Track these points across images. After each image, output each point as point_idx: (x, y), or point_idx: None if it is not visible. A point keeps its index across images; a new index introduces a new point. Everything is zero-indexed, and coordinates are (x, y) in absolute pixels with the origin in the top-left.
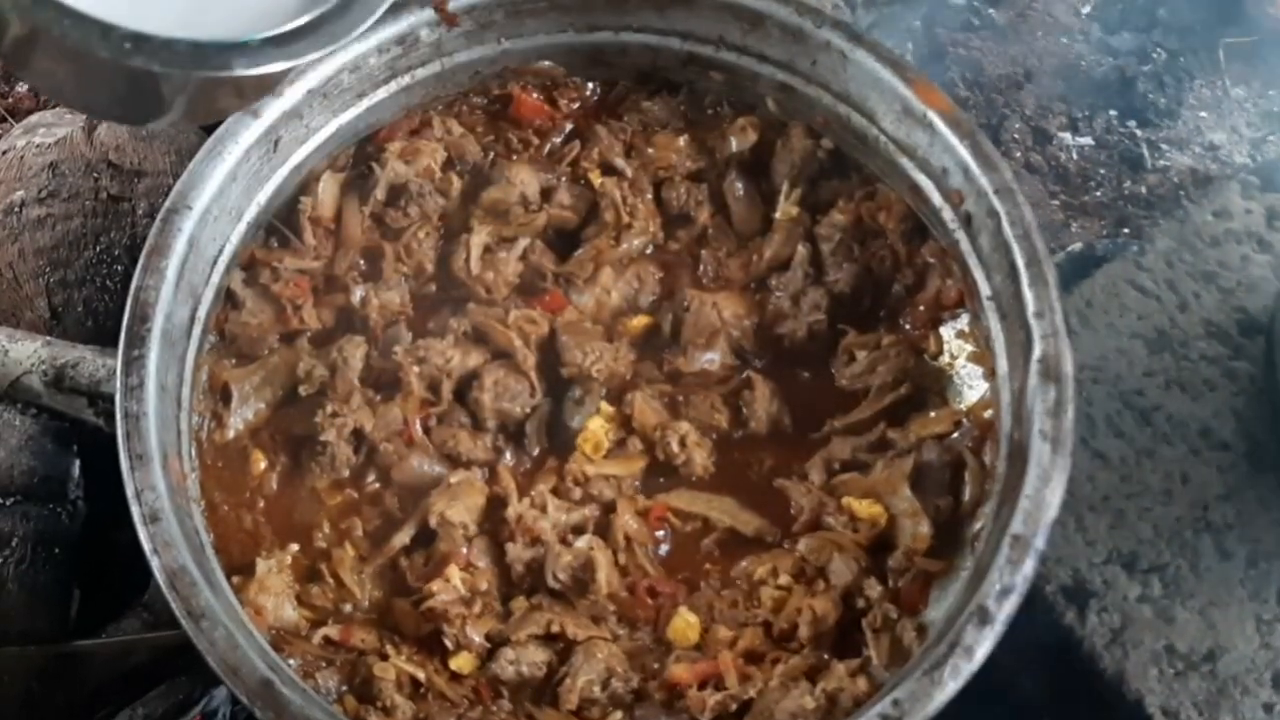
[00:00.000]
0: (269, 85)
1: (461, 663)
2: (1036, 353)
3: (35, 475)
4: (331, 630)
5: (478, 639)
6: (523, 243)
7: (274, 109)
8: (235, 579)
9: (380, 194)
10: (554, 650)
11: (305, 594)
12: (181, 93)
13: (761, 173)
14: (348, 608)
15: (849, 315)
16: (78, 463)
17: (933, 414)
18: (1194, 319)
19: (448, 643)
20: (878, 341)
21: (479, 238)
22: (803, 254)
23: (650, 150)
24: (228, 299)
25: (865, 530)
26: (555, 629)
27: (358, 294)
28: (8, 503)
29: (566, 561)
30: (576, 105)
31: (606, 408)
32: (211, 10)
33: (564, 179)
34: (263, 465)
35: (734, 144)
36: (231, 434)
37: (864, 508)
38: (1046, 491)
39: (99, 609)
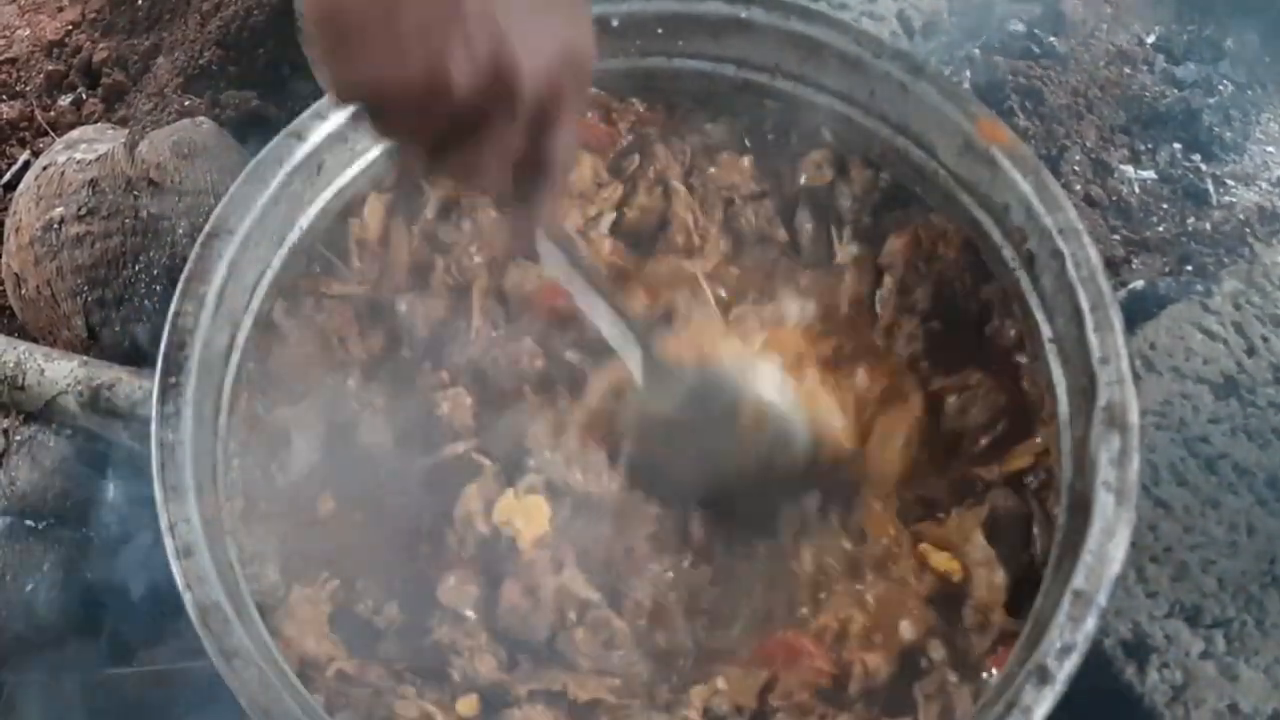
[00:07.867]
0: None
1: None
2: (1101, 400)
3: (69, 498)
4: (348, 665)
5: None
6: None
7: (319, 132)
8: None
9: (430, 212)
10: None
11: (333, 625)
12: None
13: (826, 204)
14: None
15: (935, 359)
16: (112, 486)
17: (1019, 448)
18: (1262, 364)
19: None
20: (965, 382)
21: None
22: (889, 283)
23: (712, 169)
24: (268, 326)
25: (931, 582)
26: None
27: (402, 306)
28: (40, 526)
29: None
30: (635, 121)
31: None
32: None
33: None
34: None
35: (804, 178)
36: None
37: (941, 561)
38: (1110, 546)
39: (131, 636)
